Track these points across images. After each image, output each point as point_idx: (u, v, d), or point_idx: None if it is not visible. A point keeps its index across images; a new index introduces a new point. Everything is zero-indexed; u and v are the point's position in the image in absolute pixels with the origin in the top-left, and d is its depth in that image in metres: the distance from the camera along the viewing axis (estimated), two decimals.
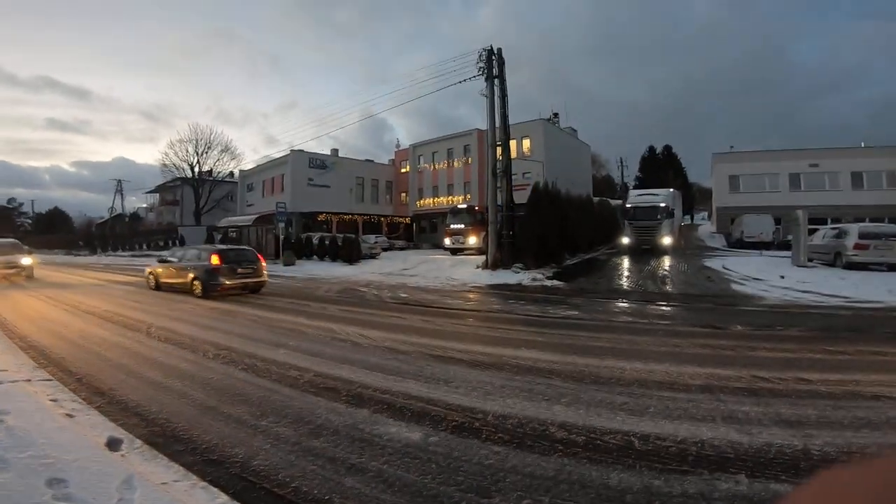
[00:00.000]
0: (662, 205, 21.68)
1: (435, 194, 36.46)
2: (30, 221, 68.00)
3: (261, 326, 7.73)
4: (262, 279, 12.29)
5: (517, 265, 15.53)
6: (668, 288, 11.68)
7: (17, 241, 18.52)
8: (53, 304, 10.54)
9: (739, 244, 25.33)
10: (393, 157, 42.94)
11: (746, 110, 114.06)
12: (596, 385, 4.40)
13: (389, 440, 3.32)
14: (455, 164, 35.28)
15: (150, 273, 13.67)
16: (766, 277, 11.96)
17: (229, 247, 14.17)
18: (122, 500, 2.49)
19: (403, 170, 39.84)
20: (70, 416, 3.72)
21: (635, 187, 48.00)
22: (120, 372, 5.10)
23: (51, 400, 4.08)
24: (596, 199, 30.05)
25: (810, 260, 14.25)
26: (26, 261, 16.31)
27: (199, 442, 3.32)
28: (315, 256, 24.24)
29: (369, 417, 3.74)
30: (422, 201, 37.42)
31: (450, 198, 34.30)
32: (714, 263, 16.30)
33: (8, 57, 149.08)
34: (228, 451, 3.18)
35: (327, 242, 24.12)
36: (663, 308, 9.05)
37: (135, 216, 60.20)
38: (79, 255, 45.38)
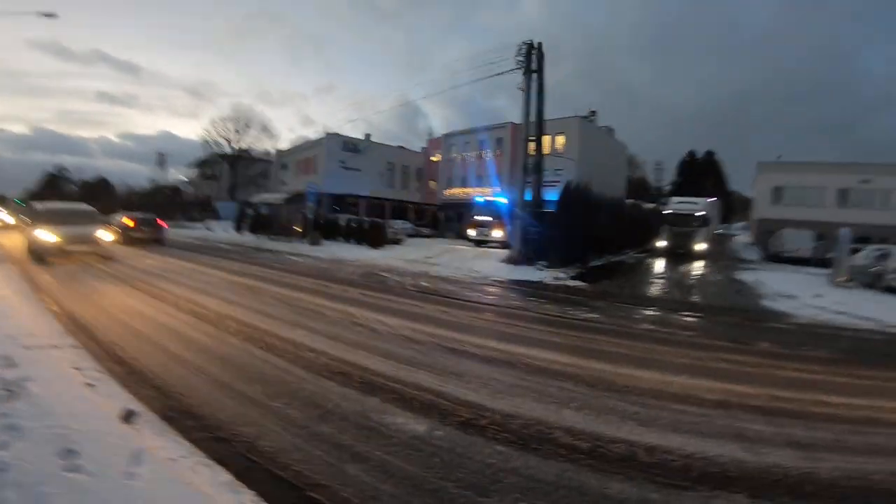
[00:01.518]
0: (700, 213, 22.72)
1: (464, 184, 36.31)
2: (76, 188, 71.00)
3: (283, 304, 7.92)
4: (160, 236, 19.71)
5: (541, 262, 15.36)
6: (695, 298, 11.36)
7: (92, 208, 14.12)
8: (84, 266, 11.03)
9: (776, 258, 24.44)
10: (425, 145, 42.98)
11: (801, 120, 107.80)
12: (608, 392, 4.34)
13: (396, 430, 3.37)
14: (486, 155, 35.01)
15: None
16: (800, 295, 11.45)
17: (139, 214, 20.78)
18: (128, 474, 2.58)
19: (434, 158, 39.82)
20: (90, 385, 3.87)
21: (671, 192, 47.09)
22: (142, 342, 5.31)
23: (74, 368, 4.24)
24: (629, 201, 29.43)
25: (850, 280, 13.60)
26: (104, 235, 12.61)
27: (211, 419, 3.43)
28: (341, 238, 24.55)
29: (378, 406, 3.81)
30: (450, 190, 37.35)
31: (479, 189, 34.12)
32: (746, 276, 15.74)
33: (65, 32, 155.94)
34: (238, 429, 3.28)
35: (354, 225, 24.41)
36: (687, 318, 8.81)
37: (174, 188, 62.14)
38: None
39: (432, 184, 39.67)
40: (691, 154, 53.58)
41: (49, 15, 15.32)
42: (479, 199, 27.20)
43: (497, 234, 22.76)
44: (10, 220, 25.89)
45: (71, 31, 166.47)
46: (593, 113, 37.07)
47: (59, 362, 4.36)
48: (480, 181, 34.83)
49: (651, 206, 36.19)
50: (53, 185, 71.41)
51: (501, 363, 5.13)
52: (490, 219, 23.61)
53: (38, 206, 13.42)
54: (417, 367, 4.83)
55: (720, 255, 24.40)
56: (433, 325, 6.93)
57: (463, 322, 7.34)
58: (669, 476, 2.86)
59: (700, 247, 21.80)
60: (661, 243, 22.92)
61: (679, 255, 21.62)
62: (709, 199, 25.63)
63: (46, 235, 11.66)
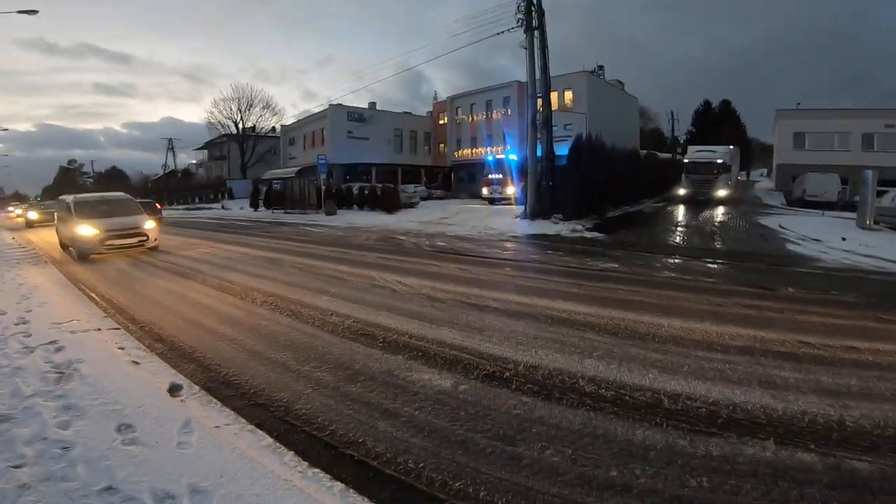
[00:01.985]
0: (720, 161, 22.95)
1: (473, 145, 35.75)
2: (91, 180, 72.03)
3: (305, 273, 8.08)
4: (159, 216, 18.38)
5: (556, 216, 15.25)
6: (717, 245, 11.17)
7: (129, 196, 13.01)
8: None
9: (800, 203, 23.76)
10: (431, 110, 42.22)
11: (819, 69, 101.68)
12: (631, 340, 4.37)
13: (422, 387, 3.47)
14: (494, 115, 34.22)
15: None
16: (826, 239, 11.15)
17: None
18: (181, 444, 2.75)
19: (442, 121, 39.13)
20: (135, 363, 4.07)
21: (686, 142, 46.14)
22: (177, 319, 5.51)
23: (118, 348, 4.45)
24: (643, 151, 28.70)
25: (877, 223, 13.17)
26: (149, 225, 11.21)
27: (248, 387, 3.59)
28: (355, 206, 24.67)
29: (404, 364, 3.92)
30: (460, 152, 36.85)
31: (489, 149, 33.55)
32: (770, 221, 15.37)
33: (47, 28, 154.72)
34: (274, 395, 3.43)
35: (367, 192, 24.44)
36: (709, 265, 8.70)
37: (186, 172, 62.60)
38: None
39: (442, 147, 39.13)
40: (707, 103, 51.44)
41: (29, 12, 14.92)
42: (490, 158, 26.85)
43: (510, 191, 22.61)
44: (35, 216, 24.96)
45: (54, 27, 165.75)
46: (601, 67, 36.10)
47: (104, 344, 4.57)
48: (490, 141, 34.22)
49: (667, 156, 35.26)
50: (68, 179, 72.72)
51: (522, 316, 5.18)
52: (502, 177, 23.38)
53: (69, 198, 11.69)
54: (439, 325, 4.92)
55: (742, 201, 23.85)
56: (452, 282, 7.00)
57: (482, 278, 7.39)
58: (696, 423, 2.89)
59: (720, 193, 22.09)
60: (682, 191, 23.35)
61: (699, 202, 21.62)
62: (726, 147, 25.20)
63: (86, 230, 10.26)
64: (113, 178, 70.64)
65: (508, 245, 11.71)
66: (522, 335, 4.55)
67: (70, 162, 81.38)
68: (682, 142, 50.21)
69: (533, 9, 15.01)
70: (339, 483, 2.39)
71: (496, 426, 2.89)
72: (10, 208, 46.79)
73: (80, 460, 2.54)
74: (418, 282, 7.04)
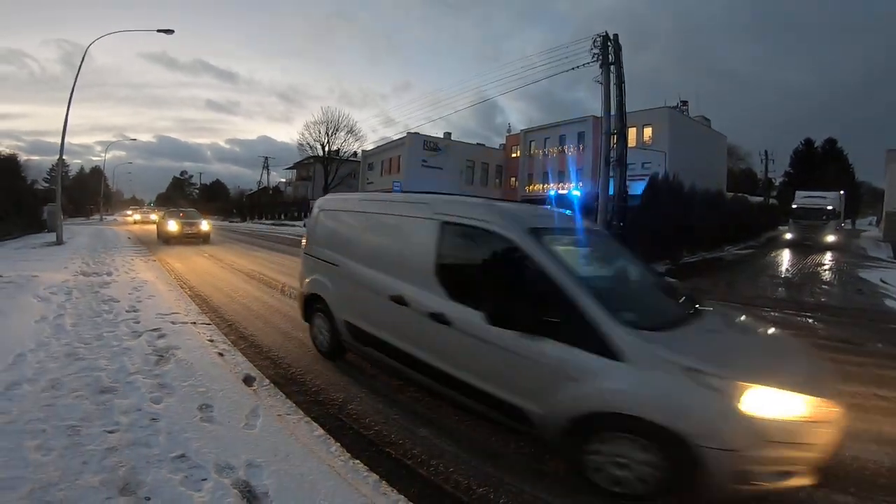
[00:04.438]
0: (829, 207, 23.31)
1: (545, 180, 35.72)
2: (197, 191, 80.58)
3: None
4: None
5: None
6: (805, 297, 10.31)
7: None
8: (206, 257, 12.67)
9: None
10: (504, 142, 42.89)
11: None
12: None
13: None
14: (567, 150, 34.13)
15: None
16: None
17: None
18: (247, 425, 3.17)
19: (514, 155, 39.56)
20: (221, 354, 4.68)
21: (783, 184, 42.88)
22: (259, 321, 6.17)
23: (209, 340, 5.12)
24: (729, 194, 27.11)
25: None
26: None
27: (310, 385, 4.04)
28: None
29: None
30: (531, 186, 36.95)
31: (560, 185, 33.37)
32: (870, 275, 13.86)
33: (170, 43, 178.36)
34: (332, 394, 3.84)
35: None
36: (791, 317, 8.10)
37: (276, 189, 68.25)
38: (233, 221, 53.41)
39: (513, 180, 39.49)
40: (808, 142, 47.18)
41: (166, 31, 16.49)
42: (553, 194, 26.61)
43: None
44: (174, 227, 18.15)
45: (175, 42, 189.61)
46: (685, 103, 34.85)
47: (197, 335, 5.26)
48: (562, 177, 34.06)
49: (758, 199, 33.00)
50: (179, 189, 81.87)
51: None
52: None
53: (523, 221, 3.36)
54: None
55: (843, 251, 21.73)
56: None
57: None
58: None
59: (828, 239, 22.19)
60: (788, 235, 24.00)
61: (795, 249, 21.00)
62: (836, 193, 25.01)
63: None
64: (216, 190, 78.05)
65: None
66: None
67: (182, 173, 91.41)
68: (776, 184, 46.63)
69: (609, 44, 15.03)
70: (374, 475, 2.68)
71: (529, 444, 3.03)
72: (129, 212, 52.08)
73: (163, 431, 2.97)
74: None
